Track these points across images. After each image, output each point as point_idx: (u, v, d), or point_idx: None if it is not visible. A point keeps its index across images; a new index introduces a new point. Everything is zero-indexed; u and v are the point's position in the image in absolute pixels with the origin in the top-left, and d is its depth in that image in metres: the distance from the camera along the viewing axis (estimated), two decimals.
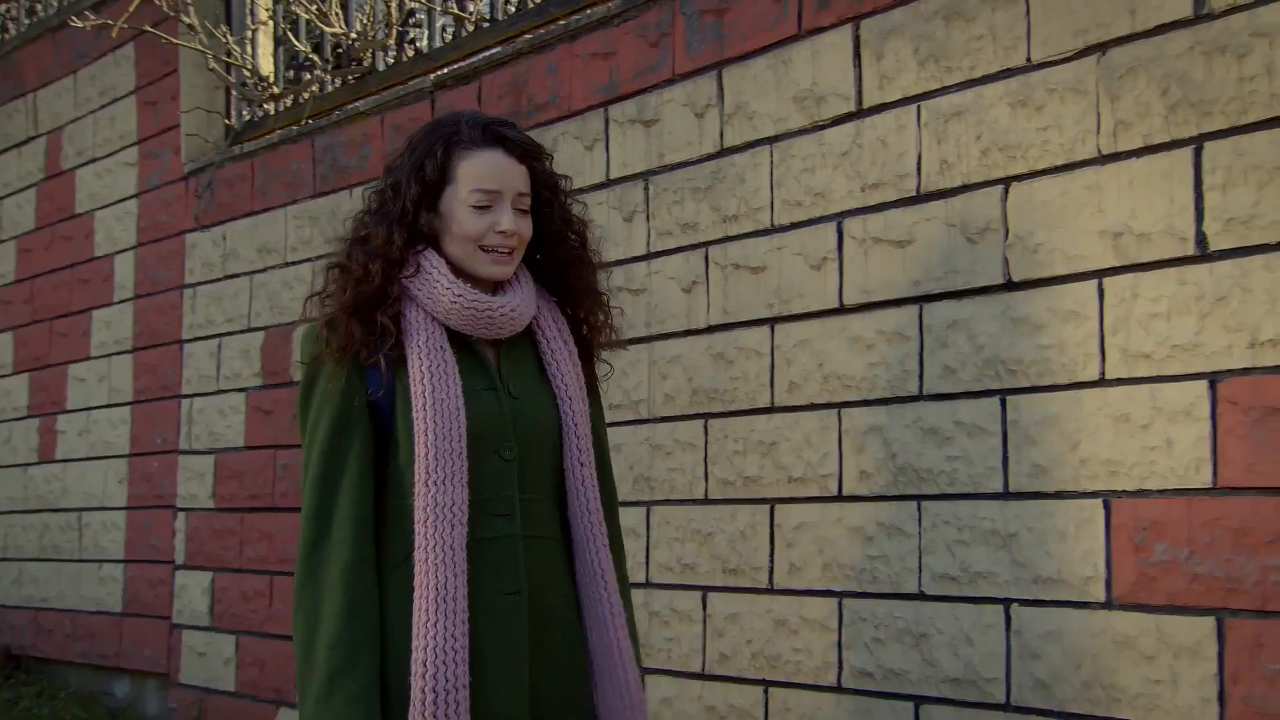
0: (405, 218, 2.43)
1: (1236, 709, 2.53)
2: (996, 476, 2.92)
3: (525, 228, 2.45)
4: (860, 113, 3.25)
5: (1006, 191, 2.94)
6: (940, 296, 3.05)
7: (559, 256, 2.54)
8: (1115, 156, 2.75)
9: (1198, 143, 2.62)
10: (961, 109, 3.03)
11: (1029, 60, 2.91)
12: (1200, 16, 2.63)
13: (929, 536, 3.04)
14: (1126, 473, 2.69)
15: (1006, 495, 2.90)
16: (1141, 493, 2.66)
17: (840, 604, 3.22)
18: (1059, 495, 2.80)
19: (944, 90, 3.07)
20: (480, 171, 2.42)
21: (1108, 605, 2.71)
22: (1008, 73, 2.95)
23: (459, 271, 2.44)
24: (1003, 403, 2.92)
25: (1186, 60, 2.64)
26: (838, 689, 3.21)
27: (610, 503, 2.53)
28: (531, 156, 2.48)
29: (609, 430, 2.72)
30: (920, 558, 3.06)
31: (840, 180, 3.27)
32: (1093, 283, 2.76)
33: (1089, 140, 2.80)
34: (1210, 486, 2.55)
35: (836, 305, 3.26)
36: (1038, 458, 2.84)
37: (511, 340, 2.48)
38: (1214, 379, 2.56)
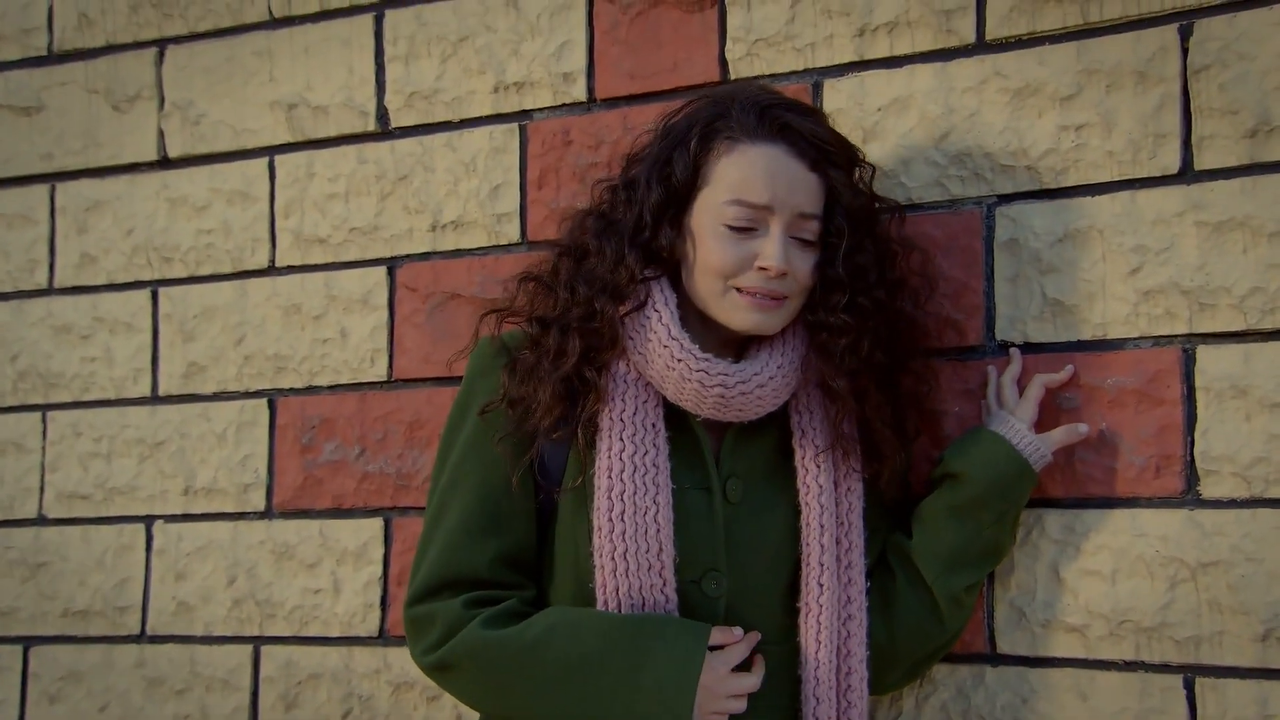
0: (641, 233, 1.76)
1: (397, 614, 2.39)
2: (145, 378, 2.58)
3: (803, 266, 1.74)
4: None
5: (162, 54, 2.60)
6: (80, 174, 2.65)
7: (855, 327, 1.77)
8: (289, 21, 2.51)
9: (379, 10, 2.45)
10: None
11: None
12: None
13: (57, 450, 2.63)
14: (295, 369, 2.48)
15: (156, 400, 2.57)
16: (311, 389, 2.47)
17: None
18: (218, 397, 2.53)
19: None
20: (744, 176, 1.70)
21: (268, 514, 2.49)
22: None
23: (700, 318, 1.78)
24: (154, 295, 2.58)
25: None
26: None
27: None
28: (830, 162, 1.74)
29: None
30: (44, 475, 2.64)
31: None
32: (263, 160, 2.51)
33: None
34: (385, 380, 2.41)
35: None
36: (195, 355, 2.54)
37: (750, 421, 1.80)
38: (393, 264, 2.42)
